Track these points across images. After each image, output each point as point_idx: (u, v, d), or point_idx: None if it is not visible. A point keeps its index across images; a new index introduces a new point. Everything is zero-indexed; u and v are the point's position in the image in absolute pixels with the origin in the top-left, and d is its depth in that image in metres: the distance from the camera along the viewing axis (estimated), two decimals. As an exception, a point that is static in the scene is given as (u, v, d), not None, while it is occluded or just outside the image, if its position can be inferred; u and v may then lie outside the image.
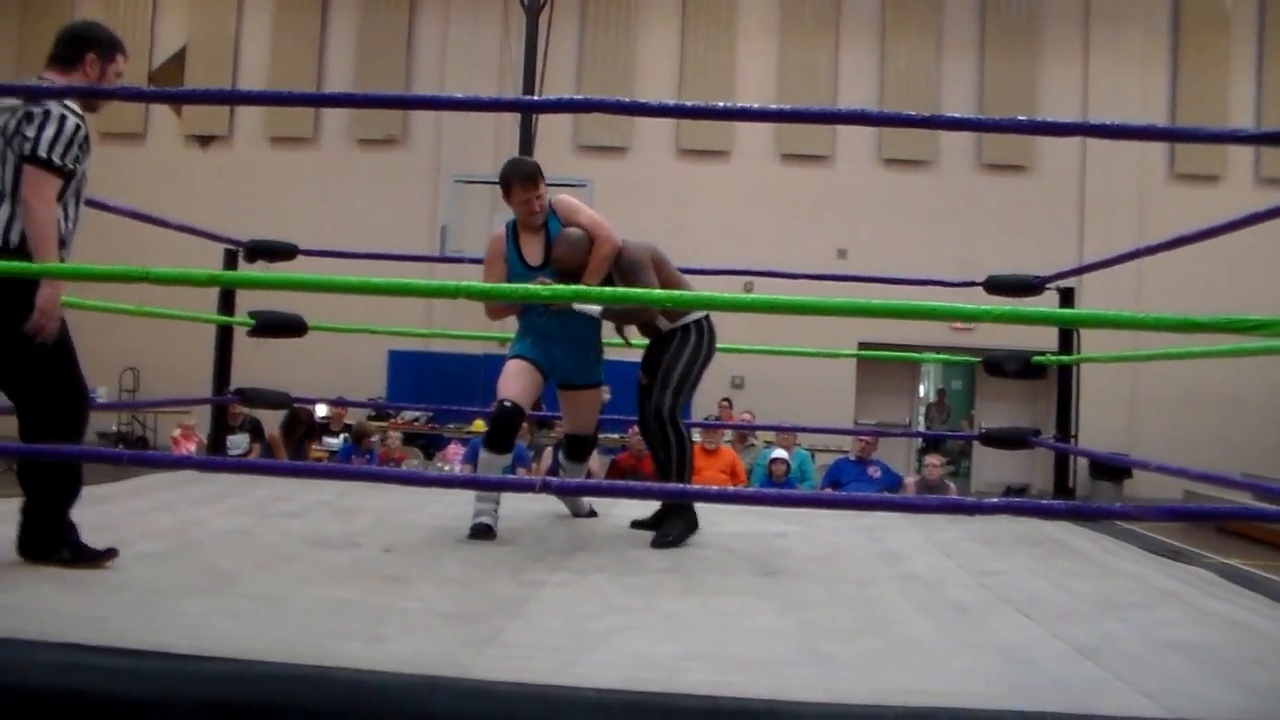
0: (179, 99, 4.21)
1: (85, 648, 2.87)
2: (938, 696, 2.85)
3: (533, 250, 5.39)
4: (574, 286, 3.96)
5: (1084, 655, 3.40)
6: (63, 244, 4.06)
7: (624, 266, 5.30)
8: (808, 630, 3.62)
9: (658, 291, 4.99)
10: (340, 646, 3.08)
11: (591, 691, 2.72)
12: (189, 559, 4.31)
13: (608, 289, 4.86)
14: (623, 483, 3.97)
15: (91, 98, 4.16)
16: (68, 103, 4.00)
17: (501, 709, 2.64)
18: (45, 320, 3.92)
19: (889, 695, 2.86)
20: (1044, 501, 3.30)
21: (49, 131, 3.90)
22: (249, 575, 4.06)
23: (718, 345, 5.54)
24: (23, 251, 3.92)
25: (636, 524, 5.56)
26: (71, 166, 3.99)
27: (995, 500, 3.28)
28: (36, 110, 3.92)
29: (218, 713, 2.69)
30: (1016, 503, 3.69)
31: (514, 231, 5.45)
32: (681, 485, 5.05)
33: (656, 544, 5.14)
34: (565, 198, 5.43)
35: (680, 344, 5.34)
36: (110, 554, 4.06)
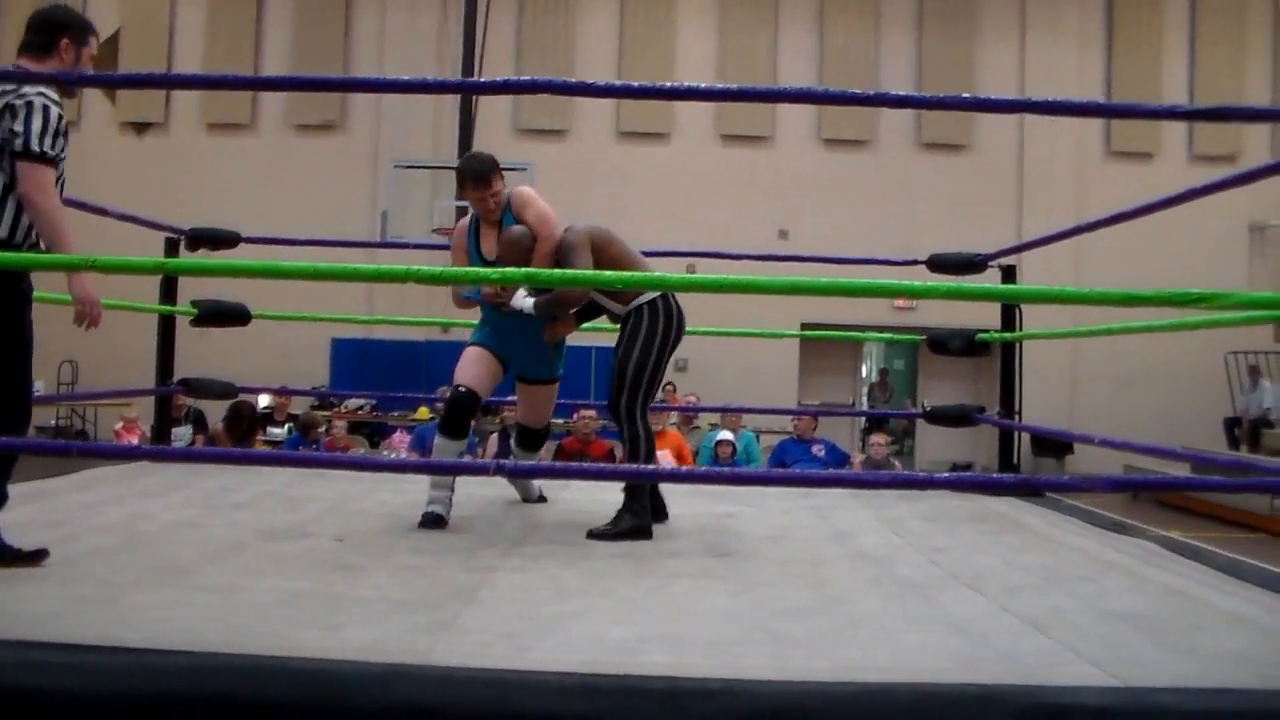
0: (117, 83, 4.13)
1: (41, 644, 2.85)
2: (892, 673, 2.89)
3: (489, 243, 5.37)
4: (522, 269, 3.94)
5: (1033, 628, 3.46)
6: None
7: (559, 255, 5.22)
8: (761, 610, 3.65)
9: (607, 273, 4.93)
10: (297, 636, 3.09)
11: (549, 675, 2.74)
12: (140, 552, 4.28)
13: (556, 271, 4.83)
14: (575, 464, 3.97)
15: (31, 82, 4.05)
16: (45, 91, 3.93)
17: (460, 695, 2.65)
18: (86, 308, 3.94)
19: (845, 672, 2.89)
20: (994, 476, 3.34)
21: (36, 123, 3.84)
22: (201, 567, 4.04)
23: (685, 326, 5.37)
24: (9, 246, 3.89)
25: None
26: (61, 156, 3.95)
27: (945, 475, 3.34)
28: (18, 103, 3.85)
29: (177, 706, 2.67)
30: (967, 477, 3.73)
31: (476, 222, 5.45)
32: (636, 467, 5.02)
33: (593, 534, 5.03)
34: (522, 190, 5.39)
35: (632, 332, 5.19)
36: (41, 555, 3.94)
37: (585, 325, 5.69)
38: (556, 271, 4.55)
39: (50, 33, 4.08)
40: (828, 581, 4.21)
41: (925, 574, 4.41)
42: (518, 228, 5.26)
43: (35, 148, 3.83)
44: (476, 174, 5.27)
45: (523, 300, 5.23)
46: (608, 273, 4.88)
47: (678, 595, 3.88)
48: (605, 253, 5.21)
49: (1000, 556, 4.79)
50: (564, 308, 5.41)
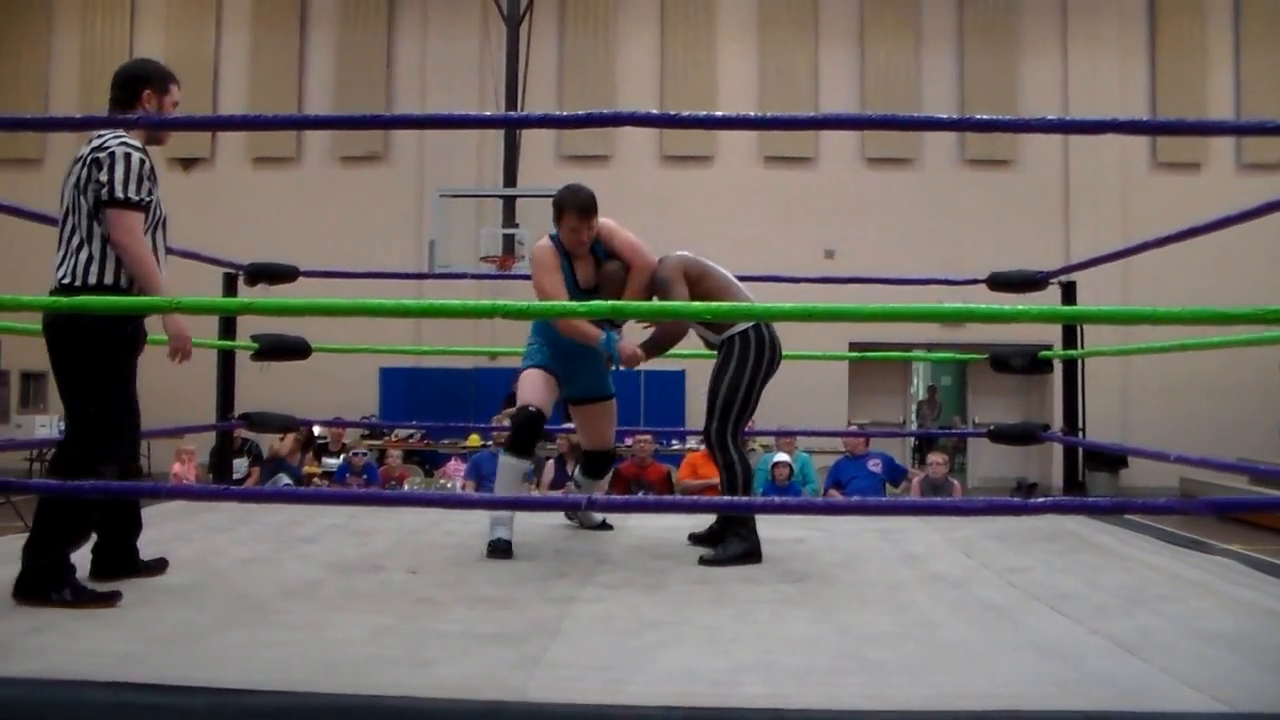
0: (165, 125, 4.15)
1: (135, 686, 2.84)
2: (993, 699, 2.84)
3: (585, 273, 5.41)
4: (607, 304, 3.89)
5: (1126, 650, 3.40)
6: None
7: (654, 287, 5.29)
8: (848, 637, 3.61)
9: (695, 305, 4.93)
10: (387, 673, 3.07)
11: (652, 710, 2.71)
12: (216, 590, 4.28)
13: (643, 304, 4.79)
14: (669, 498, 3.91)
15: (81, 128, 4.19)
16: (127, 140, 4.12)
17: (563, 731, 2.63)
18: (179, 344, 4.18)
19: (945, 700, 2.85)
20: (1091, 499, 3.28)
21: (119, 171, 4.03)
22: (280, 604, 4.03)
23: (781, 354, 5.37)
24: (103, 290, 4.06)
25: (694, 538, 5.55)
26: (146, 199, 4.11)
27: (1042, 500, 3.27)
28: (102, 155, 4.05)
29: (274, 746, 2.66)
30: (1064, 501, 3.66)
31: (561, 246, 5.41)
32: (731, 499, 4.97)
33: (705, 561, 5.03)
34: (605, 222, 5.40)
35: (725, 360, 5.22)
36: (114, 596, 3.98)
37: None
38: (643, 305, 4.51)
39: (132, 87, 4.29)
40: (909, 606, 4.17)
41: (1005, 596, 4.35)
42: (614, 263, 5.31)
43: (119, 194, 4.03)
44: (585, 207, 5.28)
45: (621, 346, 5.28)
46: (696, 304, 4.85)
47: (761, 623, 3.84)
48: (700, 285, 5.25)
49: (1079, 576, 4.72)
50: (668, 345, 5.46)
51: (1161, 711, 2.75)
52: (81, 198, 4.09)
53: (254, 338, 7.00)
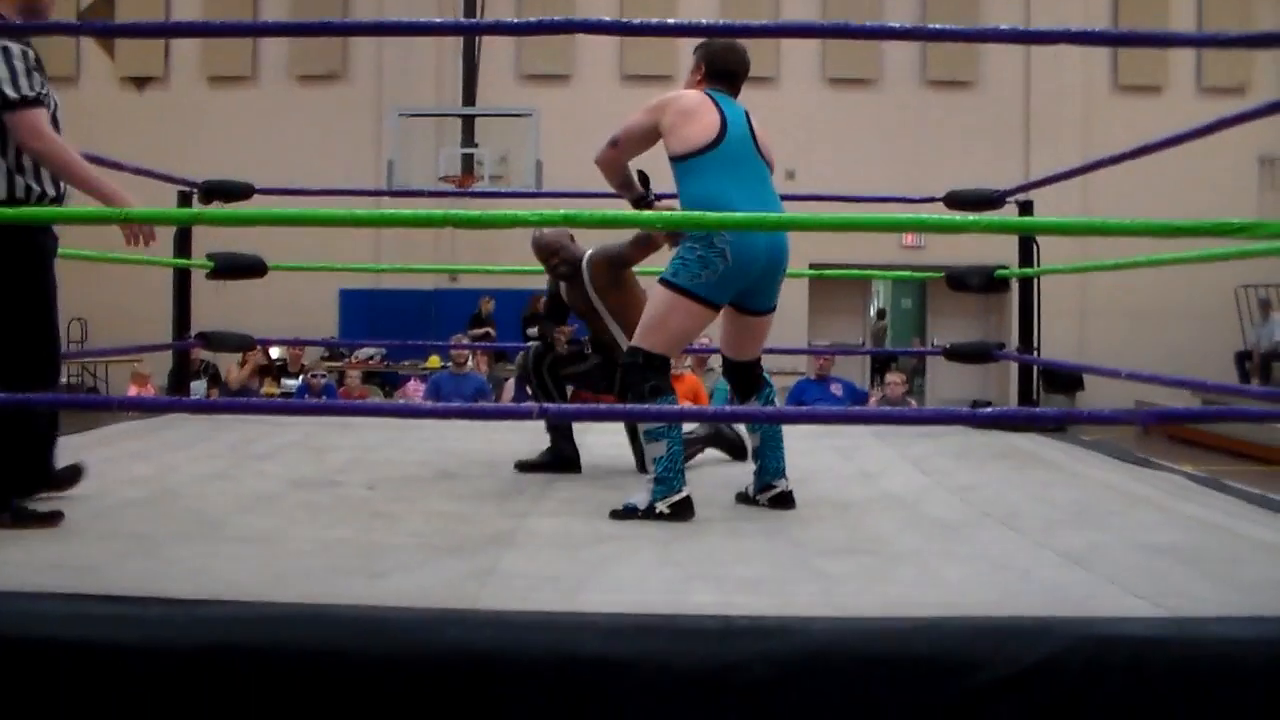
0: (110, 33, 4.04)
1: (89, 597, 2.84)
2: (941, 608, 2.88)
3: None
4: (587, 213, 3.59)
5: (1074, 562, 3.46)
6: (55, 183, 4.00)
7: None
8: (800, 550, 3.65)
9: (648, 213, 4.69)
10: (341, 584, 3.08)
11: (601, 616, 2.73)
12: (172, 505, 4.28)
13: (623, 213, 4.45)
14: (607, 406, 3.89)
15: (20, 32, 3.87)
16: (4, 42, 3.78)
17: (514, 639, 2.64)
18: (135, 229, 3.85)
19: (893, 608, 2.89)
20: (1038, 410, 3.32)
21: (2, 72, 3.72)
22: (235, 518, 4.04)
23: None
24: (12, 204, 3.83)
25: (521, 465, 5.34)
26: (41, 91, 3.82)
27: (991, 410, 3.32)
28: None
29: (226, 656, 2.67)
30: (1012, 411, 3.71)
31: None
32: (680, 408, 4.96)
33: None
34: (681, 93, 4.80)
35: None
36: (56, 517, 3.85)
37: None
38: (623, 213, 4.20)
39: None
40: (861, 521, 4.22)
41: (958, 512, 4.41)
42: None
43: (11, 94, 3.73)
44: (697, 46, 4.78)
45: None
46: (664, 213, 4.59)
47: (713, 536, 3.88)
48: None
49: (1030, 492, 4.79)
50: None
51: (1108, 616, 2.80)
52: None
53: (210, 256, 6.95)
